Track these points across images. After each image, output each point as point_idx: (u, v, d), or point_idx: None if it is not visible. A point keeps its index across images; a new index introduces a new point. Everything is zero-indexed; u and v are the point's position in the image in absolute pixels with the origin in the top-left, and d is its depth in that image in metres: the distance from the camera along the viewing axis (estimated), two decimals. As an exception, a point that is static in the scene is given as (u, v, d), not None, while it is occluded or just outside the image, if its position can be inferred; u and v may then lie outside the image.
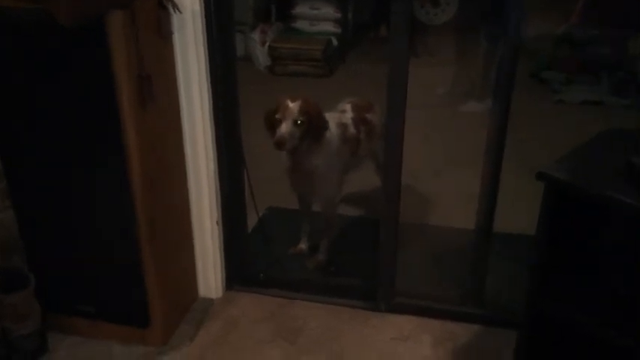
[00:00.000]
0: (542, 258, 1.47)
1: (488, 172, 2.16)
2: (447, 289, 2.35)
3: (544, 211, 1.42)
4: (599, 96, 4.18)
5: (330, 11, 5.10)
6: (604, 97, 4.17)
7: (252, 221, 2.57)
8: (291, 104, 2.13)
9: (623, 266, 1.40)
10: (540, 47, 4.52)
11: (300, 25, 5.19)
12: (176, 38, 1.95)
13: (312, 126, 2.16)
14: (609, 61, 4.29)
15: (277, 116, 2.13)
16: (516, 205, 2.54)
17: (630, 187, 1.29)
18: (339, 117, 2.43)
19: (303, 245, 2.61)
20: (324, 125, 2.22)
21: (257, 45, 5.00)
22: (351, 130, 2.43)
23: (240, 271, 2.42)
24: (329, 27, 5.12)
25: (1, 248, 2.03)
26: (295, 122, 2.12)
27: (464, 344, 2.14)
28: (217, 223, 2.26)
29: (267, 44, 4.97)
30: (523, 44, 2.22)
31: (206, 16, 1.96)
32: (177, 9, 1.87)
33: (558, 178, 1.35)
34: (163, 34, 1.87)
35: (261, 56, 5.01)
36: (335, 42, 5.03)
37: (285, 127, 2.11)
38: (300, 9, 5.17)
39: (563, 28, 4.52)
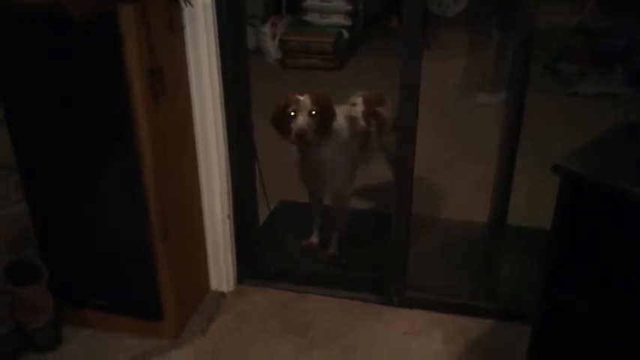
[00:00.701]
0: (557, 251, 1.45)
1: (502, 165, 2.14)
2: (459, 283, 2.34)
3: (559, 204, 1.40)
4: (613, 88, 4.13)
5: (340, 4, 5.08)
6: (618, 88, 4.12)
7: (262, 215, 2.57)
8: (301, 97, 2.15)
9: (638, 260, 1.38)
10: (554, 39, 4.47)
11: (310, 17, 5.18)
12: (187, 32, 1.94)
13: (324, 117, 2.16)
14: (623, 52, 4.23)
15: (290, 110, 2.14)
16: (529, 198, 2.52)
17: (647, 180, 1.27)
18: (349, 110, 2.43)
19: (314, 239, 2.60)
20: (332, 114, 2.23)
21: (268, 38, 4.99)
22: (361, 123, 2.42)
23: (252, 265, 2.42)
24: (340, 19, 5.10)
25: (14, 241, 2.05)
26: (310, 113, 2.14)
27: (476, 339, 2.12)
28: (228, 216, 2.25)
29: (278, 37, 4.96)
30: (537, 36, 2.20)
31: (217, 9, 1.95)
32: (189, 2, 1.86)
33: (574, 171, 1.33)
34: (175, 28, 1.87)
35: (272, 49, 5.00)
36: (346, 35, 5.02)
37: (302, 119, 2.13)
38: (310, 1, 5.16)
39: (577, 19, 4.46)
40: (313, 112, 2.14)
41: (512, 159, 2.13)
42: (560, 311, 1.52)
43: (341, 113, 2.32)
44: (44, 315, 2.01)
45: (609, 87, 4.14)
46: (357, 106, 2.47)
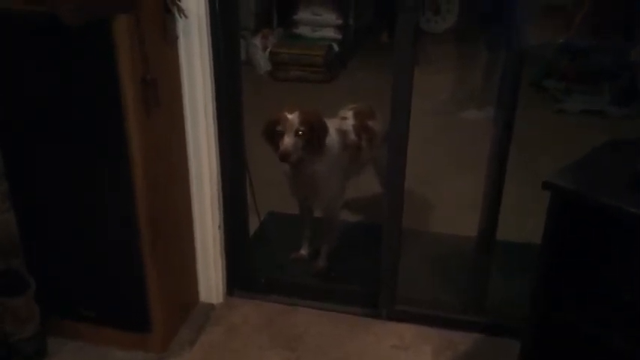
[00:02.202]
0: (547, 265, 1.47)
1: (491, 180, 2.16)
2: (448, 297, 2.35)
3: (549, 219, 1.42)
4: (599, 106, 4.19)
5: (331, 17, 5.12)
6: (604, 106, 4.18)
7: (252, 227, 2.57)
8: (290, 116, 2.13)
9: (628, 274, 1.40)
10: (541, 56, 4.54)
11: (301, 30, 5.21)
12: (181, 43, 1.94)
13: (314, 134, 2.17)
14: (610, 70, 4.30)
15: (278, 129, 2.13)
16: (517, 213, 2.54)
17: (636, 196, 1.29)
18: (340, 123, 2.43)
19: (303, 251, 2.60)
20: (324, 131, 2.23)
21: (258, 50, 5.01)
22: (352, 136, 2.43)
23: (241, 277, 2.41)
24: (330, 33, 5.14)
25: (1, 251, 2.02)
26: (297, 133, 2.12)
27: (464, 353, 2.13)
28: (219, 227, 2.25)
29: (269, 49, 4.98)
30: (526, 52, 2.23)
31: (211, 21, 1.96)
32: (183, 13, 1.87)
33: (564, 187, 1.35)
34: (169, 39, 1.87)
35: (262, 61, 5.02)
36: (336, 48, 5.05)
37: (288, 140, 2.12)
38: (301, 15, 5.19)
39: (563, 37, 4.54)
40: (300, 132, 2.12)
41: (502, 174, 2.15)
42: (550, 325, 1.53)
43: (332, 126, 2.32)
44: (30, 326, 1.98)
45: (596, 105, 4.20)
46: (347, 119, 2.48)
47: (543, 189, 1.39)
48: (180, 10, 1.86)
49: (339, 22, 5.12)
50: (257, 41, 5.03)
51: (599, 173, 1.46)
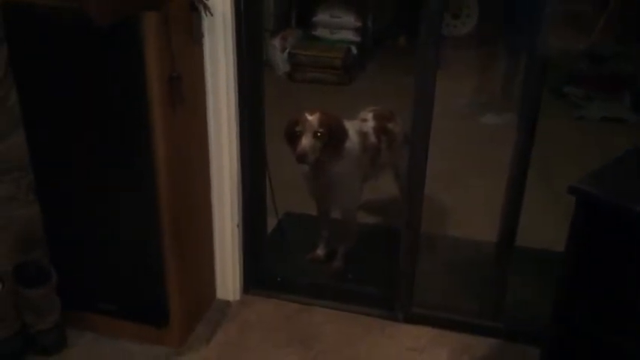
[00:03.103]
0: (571, 272, 1.46)
1: (512, 186, 2.15)
2: (465, 301, 2.34)
3: (574, 225, 1.41)
4: (620, 113, 4.15)
5: (350, 20, 5.11)
6: (625, 114, 4.14)
7: (269, 226, 2.58)
8: (310, 117, 2.14)
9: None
10: (561, 62, 4.50)
11: (320, 32, 5.21)
12: (206, 41, 1.96)
13: (332, 137, 2.17)
14: (631, 78, 4.26)
15: (297, 129, 2.15)
16: (536, 219, 2.52)
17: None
18: (360, 125, 2.44)
19: (320, 252, 2.60)
20: (344, 136, 2.23)
21: (277, 51, 5.02)
22: (372, 139, 2.43)
23: (258, 275, 2.42)
24: (349, 35, 5.13)
25: (24, 242, 2.05)
26: (315, 134, 2.13)
27: (481, 357, 2.12)
28: (238, 225, 2.26)
29: (287, 50, 4.99)
30: (548, 59, 2.22)
31: (236, 20, 1.98)
32: (209, 11, 1.89)
33: (590, 193, 1.35)
34: (194, 37, 1.89)
35: (281, 62, 5.02)
36: (355, 50, 5.04)
37: (305, 141, 2.12)
38: (320, 17, 5.19)
39: (584, 43, 4.50)
40: (319, 134, 2.13)
41: (523, 181, 2.15)
42: (572, 334, 1.52)
43: (352, 128, 2.33)
44: (50, 317, 2.01)
45: (616, 112, 4.16)
46: (367, 121, 2.49)
47: (569, 193, 1.38)
48: (207, 8, 1.88)
49: (358, 24, 5.12)
50: (276, 42, 5.04)
51: (624, 180, 1.45)
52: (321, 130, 2.13)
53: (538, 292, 2.04)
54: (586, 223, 1.39)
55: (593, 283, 1.48)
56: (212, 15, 1.91)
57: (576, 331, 1.50)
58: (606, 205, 1.34)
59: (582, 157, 3.24)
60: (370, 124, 2.47)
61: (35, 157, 1.96)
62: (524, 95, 2.19)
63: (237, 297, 2.38)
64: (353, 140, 2.31)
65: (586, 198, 1.36)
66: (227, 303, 2.35)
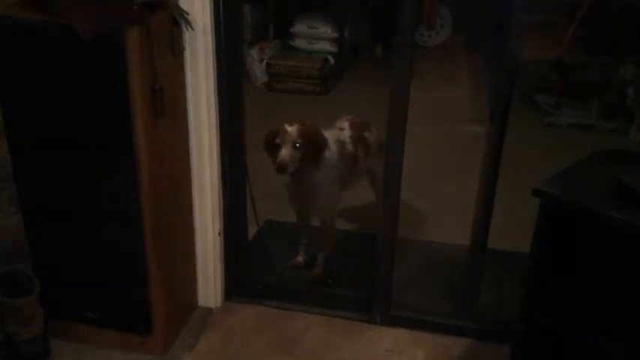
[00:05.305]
0: (536, 270, 1.53)
1: (483, 191, 2.23)
2: (441, 303, 2.41)
3: (538, 226, 1.48)
4: (588, 119, 4.29)
5: (327, 30, 5.19)
6: (593, 120, 4.28)
7: (250, 234, 2.62)
8: (289, 128, 2.21)
9: (614, 278, 1.47)
10: (532, 70, 4.63)
11: (298, 43, 5.28)
12: (187, 53, 2.01)
13: (312, 147, 2.24)
14: (598, 85, 4.41)
15: (277, 141, 2.21)
16: (507, 222, 2.61)
17: (620, 203, 1.37)
18: (338, 134, 2.50)
19: (300, 258, 2.65)
20: (323, 145, 2.30)
21: (255, 62, 5.07)
22: (349, 147, 2.49)
23: (239, 282, 2.46)
24: (326, 46, 5.21)
25: (7, 253, 2.07)
26: (294, 145, 2.19)
27: (457, 357, 2.19)
28: (219, 234, 2.31)
29: (265, 61, 5.05)
30: (519, 68, 2.31)
31: (216, 33, 2.04)
32: (190, 26, 1.94)
33: (553, 194, 1.43)
34: (176, 50, 1.94)
35: (259, 73, 5.08)
36: (332, 61, 5.13)
37: (285, 152, 2.19)
38: (298, 28, 5.26)
39: (555, 53, 4.64)
40: (298, 145, 2.19)
41: (493, 186, 2.23)
42: (539, 331, 1.59)
43: (331, 137, 2.39)
44: (34, 327, 2.02)
45: (585, 119, 4.30)
46: (344, 130, 2.55)
47: (533, 196, 1.46)
48: (188, 23, 1.93)
49: (335, 35, 5.20)
50: (254, 53, 5.09)
51: (586, 182, 1.53)
52: (300, 140, 2.20)
53: (510, 293, 2.11)
54: (549, 224, 1.47)
55: (557, 281, 1.55)
56: (193, 29, 1.96)
57: (543, 328, 1.57)
58: (568, 206, 1.42)
59: (552, 163, 3.34)
60: (347, 133, 2.54)
61: (18, 168, 1.98)
62: (493, 103, 2.27)
63: (219, 304, 2.41)
64: (332, 149, 2.38)
65: (549, 199, 1.44)
66: (209, 310, 2.39)
